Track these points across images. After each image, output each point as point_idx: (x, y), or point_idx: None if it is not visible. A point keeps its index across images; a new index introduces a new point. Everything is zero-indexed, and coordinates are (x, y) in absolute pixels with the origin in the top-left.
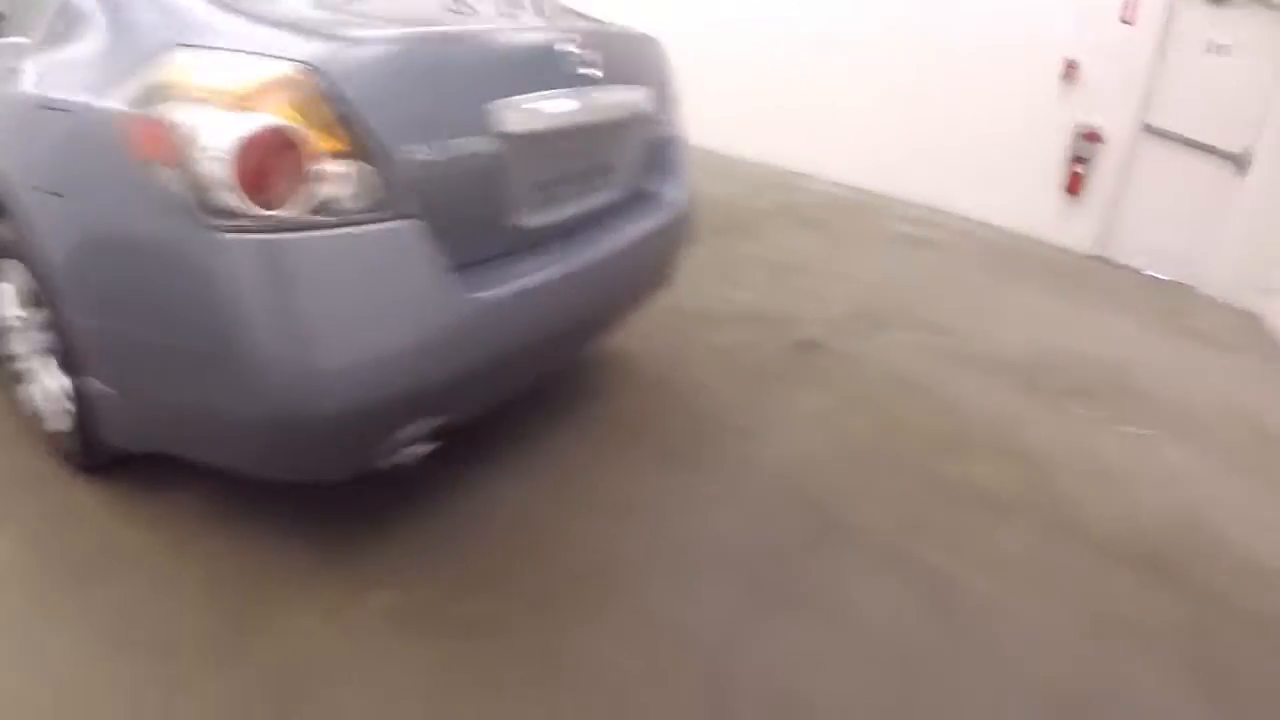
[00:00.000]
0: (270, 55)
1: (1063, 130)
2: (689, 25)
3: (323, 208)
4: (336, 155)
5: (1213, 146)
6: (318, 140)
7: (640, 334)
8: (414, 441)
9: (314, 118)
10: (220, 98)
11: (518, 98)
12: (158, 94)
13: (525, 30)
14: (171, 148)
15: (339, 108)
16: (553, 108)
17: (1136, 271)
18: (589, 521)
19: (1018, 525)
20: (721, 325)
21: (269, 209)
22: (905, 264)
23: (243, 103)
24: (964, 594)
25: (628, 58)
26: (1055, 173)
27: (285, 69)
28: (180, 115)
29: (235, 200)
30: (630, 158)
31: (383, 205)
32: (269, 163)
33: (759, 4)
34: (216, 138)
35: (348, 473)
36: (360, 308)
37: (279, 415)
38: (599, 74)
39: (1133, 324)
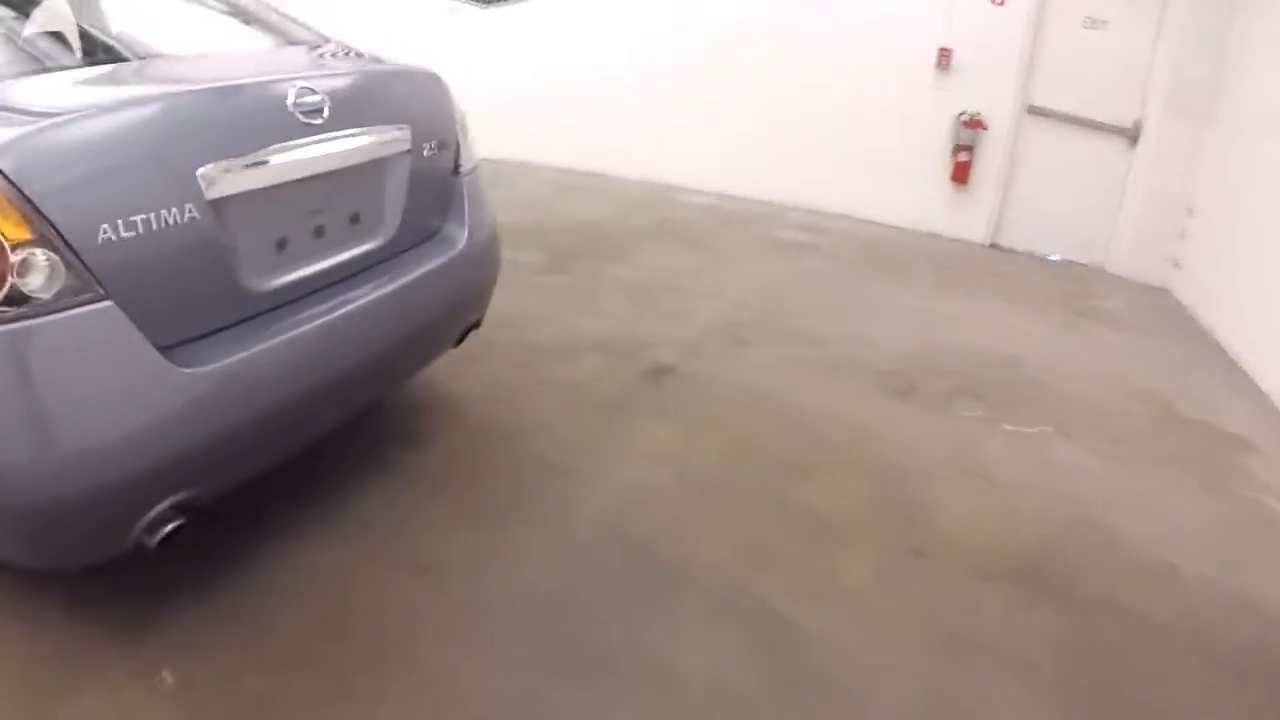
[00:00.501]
0: None
1: (943, 119)
2: (563, 54)
3: (15, 299)
4: (24, 245)
5: (1101, 122)
6: (3, 232)
7: (478, 375)
8: (169, 520)
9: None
10: None
11: (227, 160)
12: None
13: (240, 84)
14: None
15: (21, 197)
16: (272, 163)
17: (1035, 257)
18: (392, 585)
19: (872, 549)
20: (570, 357)
21: None
22: (783, 273)
23: None
24: (803, 637)
25: (377, 97)
26: (940, 163)
27: None
28: None
29: None
30: (391, 203)
31: (75, 291)
32: None
33: (630, 20)
34: None
35: (104, 556)
36: (67, 395)
37: (5, 505)
38: (328, 120)
39: (1030, 313)
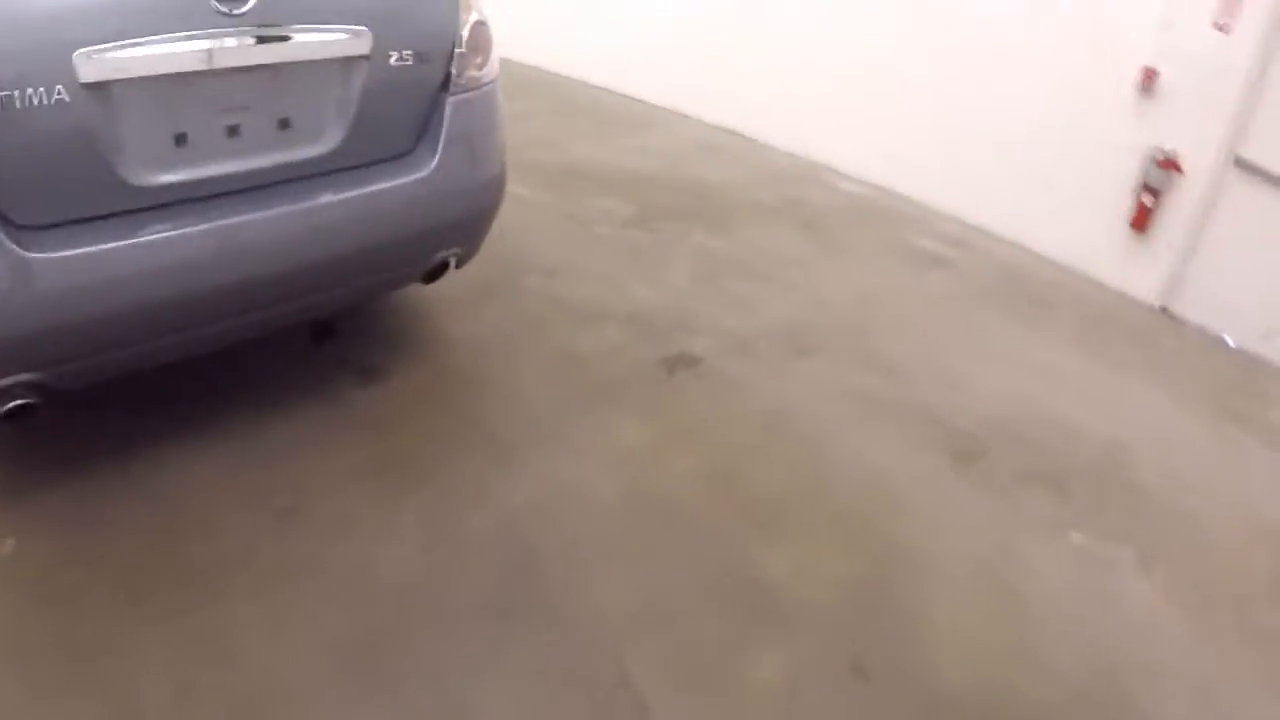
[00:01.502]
0: None
1: (1134, 152)
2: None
3: None
4: None
5: None
6: None
7: (480, 320)
8: (16, 396)
9: None
10: None
11: (106, 45)
12: None
13: None
14: None
15: None
16: (163, 52)
17: (1208, 335)
18: (246, 518)
19: (805, 650)
20: (593, 324)
21: None
22: (896, 284)
23: None
24: None
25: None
26: (1120, 201)
27: None
28: None
29: None
30: (334, 112)
31: None
32: None
33: None
34: None
35: None
36: None
37: None
38: (253, 11)
39: (1170, 400)
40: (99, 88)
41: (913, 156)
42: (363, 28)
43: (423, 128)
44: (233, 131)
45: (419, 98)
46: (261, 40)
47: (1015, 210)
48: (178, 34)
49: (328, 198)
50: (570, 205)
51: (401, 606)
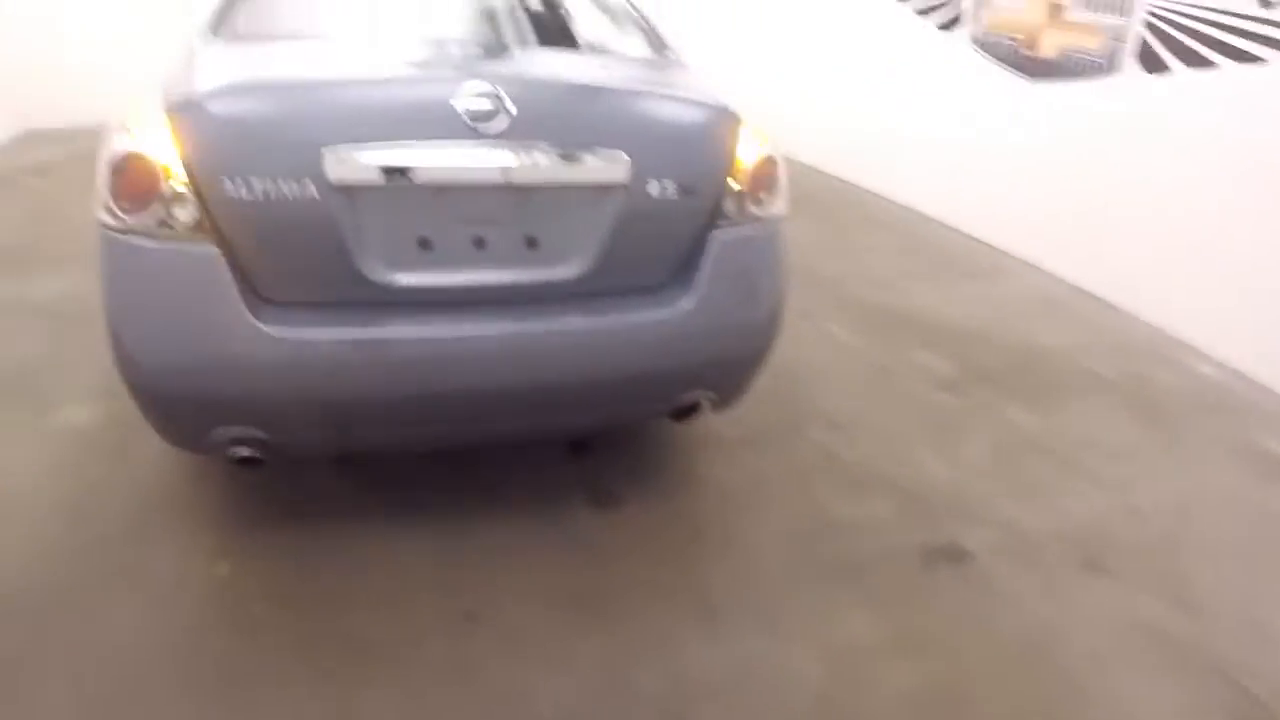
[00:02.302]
0: (171, 95)
1: None
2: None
3: (160, 224)
4: (176, 183)
5: None
6: (163, 169)
7: (740, 464)
8: (238, 443)
9: (164, 151)
10: (122, 125)
11: (355, 148)
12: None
13: (403, 76)
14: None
15: (181, 145)
16: (410, 161)
17: None
18: (420, 613)
19: None
20: (862, 491)
21: (138, 218)
22: (1229, 495)
23: (127, 131)
24: None
25: (592, 118)
26: None
27: (162, 107)
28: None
29: (110, 207)
30: (585, 236)
31: (196, 230)
32: (127, 180)
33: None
34: (107, 154)
35: (188, 446)
36: (164, 311)
37: (124, 380)
38: (507, 129)
39: None
40: (346, 186)
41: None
42: (622, 154)
43: (682, 262)
44: (478, 244)
45: (680, 231)
46: (512, 160)
47: None
48: (428, 145)
49: (569, 322)
50: (883, 354)
51: None
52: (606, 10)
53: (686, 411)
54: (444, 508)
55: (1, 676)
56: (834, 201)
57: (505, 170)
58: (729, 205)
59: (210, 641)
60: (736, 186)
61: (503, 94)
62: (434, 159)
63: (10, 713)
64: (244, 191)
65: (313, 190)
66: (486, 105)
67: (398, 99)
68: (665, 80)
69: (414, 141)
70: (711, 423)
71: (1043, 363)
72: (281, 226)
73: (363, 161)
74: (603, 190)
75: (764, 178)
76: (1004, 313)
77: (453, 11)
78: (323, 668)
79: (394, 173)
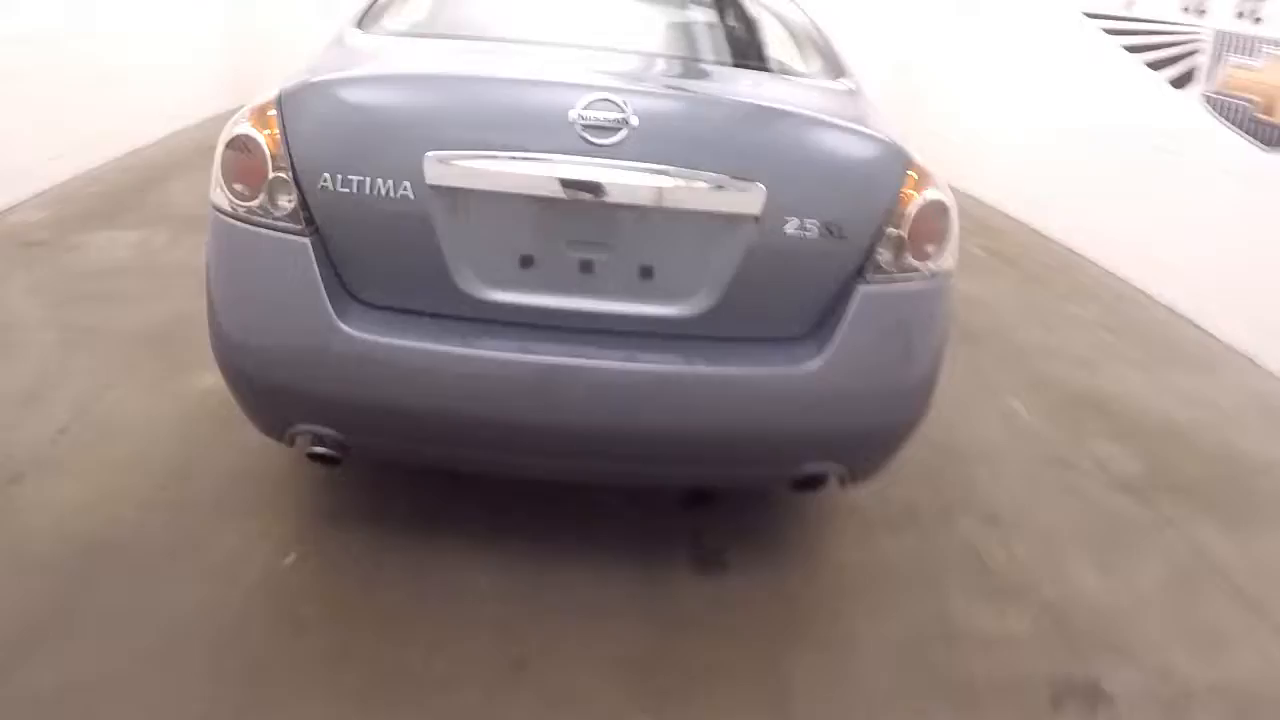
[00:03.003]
0: (287, 82)
1: None
2: None
3: (260, 209)
4: (279, 170)
5: None
6: (268, 156)
7: (878, 549)
8: (318, 441)
9: (270, 138)
10: (243, 109)
11: (458, 152)
12: None
13: (519, 80)
14: None
15: (283, 133)
16: (515, 170)
17: None
18: (468, 653)
19: None
20: (1001, 601)
21: (244, 201)
22: None
23: (244, 114)
24: None
25: (726, 140)
26: None
27: (270, 95)
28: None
29: (221, 189)
30: (705, 273)
31: (292, 220)
32: (235, 162)
33: None
34: (223, 135)
35: (269, 434)
36: (252, 296)
37: (215, 357)
38: (624, 144)
39: None
40: (446, 192)
41: None
42: (757, 184)
43: (820, 314)
44: (585, 267)
45: (819, 279)
46: (629, 179)
47: None
48: (536, 155)
49: (679, 365)
50: (1064, 442)
51: None
52: (787, 29)
53: (810, 483)
54: (528, 540)
55: (32, 627)
56: (1037, 259)
57: (620, 189)
58: (884, 255)
59: (250, 634)
60: (895, 233)
61: (626, 106)
62: (541, 170)
63: (24, 671)
64: (341, 183)
65: (410, 190)
66: (607, 116)
67: (510, 102)
68: (826, 106)
69: (523, 150)
70: (853, 494)
71: (1251, 478)
72: (377, 225)
73: (464, 166)
74: (731, 222)
75: (931, 227)
76: (1213, 413)
77: (632, 23)
78: (347, 688)
79: (497, 180)
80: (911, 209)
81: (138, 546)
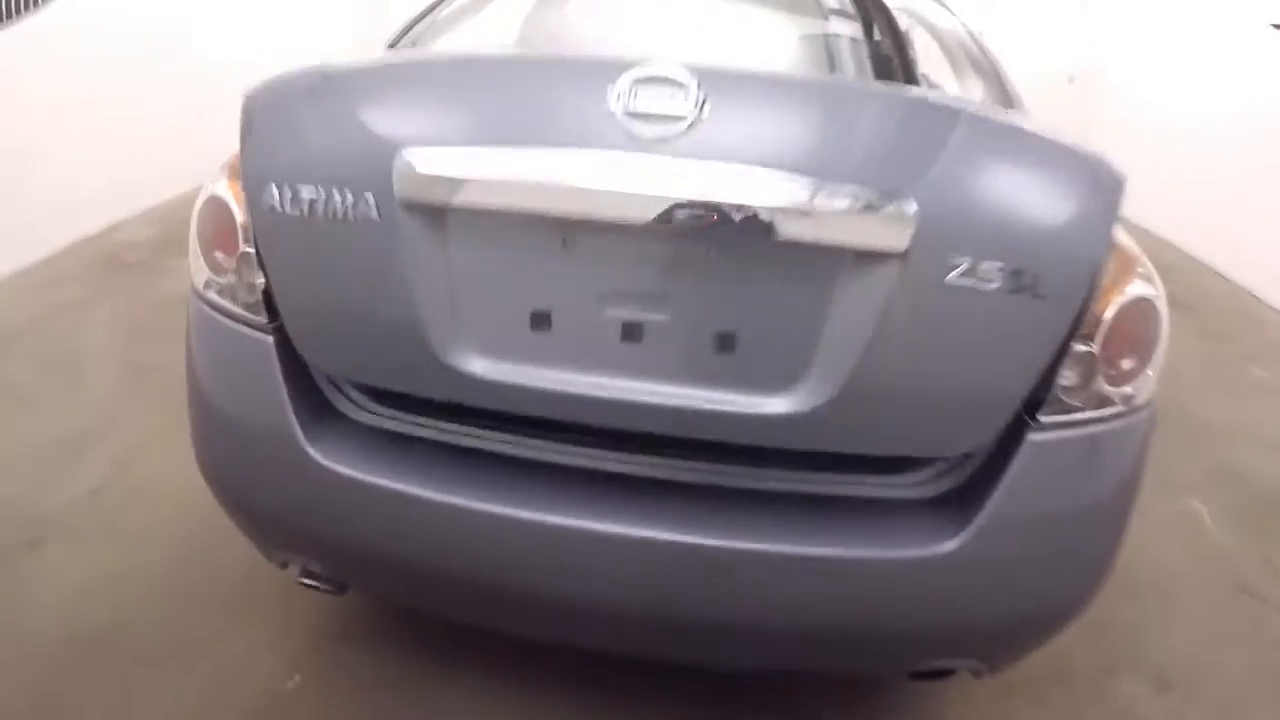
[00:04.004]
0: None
1: None
2: None
3: (222, 291)
4: (240, 237)
5: None
6: (230, 223)
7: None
8: (306, 573)
9: (235, 188)
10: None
11: (440, 149)
12: None
13: (573, 57)
14: None
15: (242, 164)
16: (508, 173)
17: None
18: None
19: None
20: None
21: (198, 274)
22: None
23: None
24: None
25: (873, 142)
26: None
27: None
28: None
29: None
30: (821, 340)
31: (253, 306)
32: (201, 230)
33: None
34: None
35: (265, 557)
36: (216, 402)
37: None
38: (690, 137)
39: None
40: (421, 211)
41: None
42: (907, 200)
43: (982, 429)
44: (631, 334)
45: (1011, 355)
46: (700, 189)
47: None
48: (551, 148)
49: (764, 544)
50: (1255, 563)
51: None
52: (946, 51)
53: (933, 675)
54: (565, 683)
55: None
56: (1217, 305)
57: (684, 206)
58: (1070, 376)
59: None
60: (1083, 349)
61: (689, 83)
62: (562, 174)
63: None
64: (291, 203)
65: (373, 207)
66: (663, 99)
67: (519, 84)
68: (1000, 114)
69: (532, 141)
70: None
71: None
72: (333, 263)
73: (446, 168)
74: (864, 261)
75: (1135, 331)
76: None
77: (736, 37)
78: None
79: (493, 191)
80: (1110, 308)
81: (139, 640)
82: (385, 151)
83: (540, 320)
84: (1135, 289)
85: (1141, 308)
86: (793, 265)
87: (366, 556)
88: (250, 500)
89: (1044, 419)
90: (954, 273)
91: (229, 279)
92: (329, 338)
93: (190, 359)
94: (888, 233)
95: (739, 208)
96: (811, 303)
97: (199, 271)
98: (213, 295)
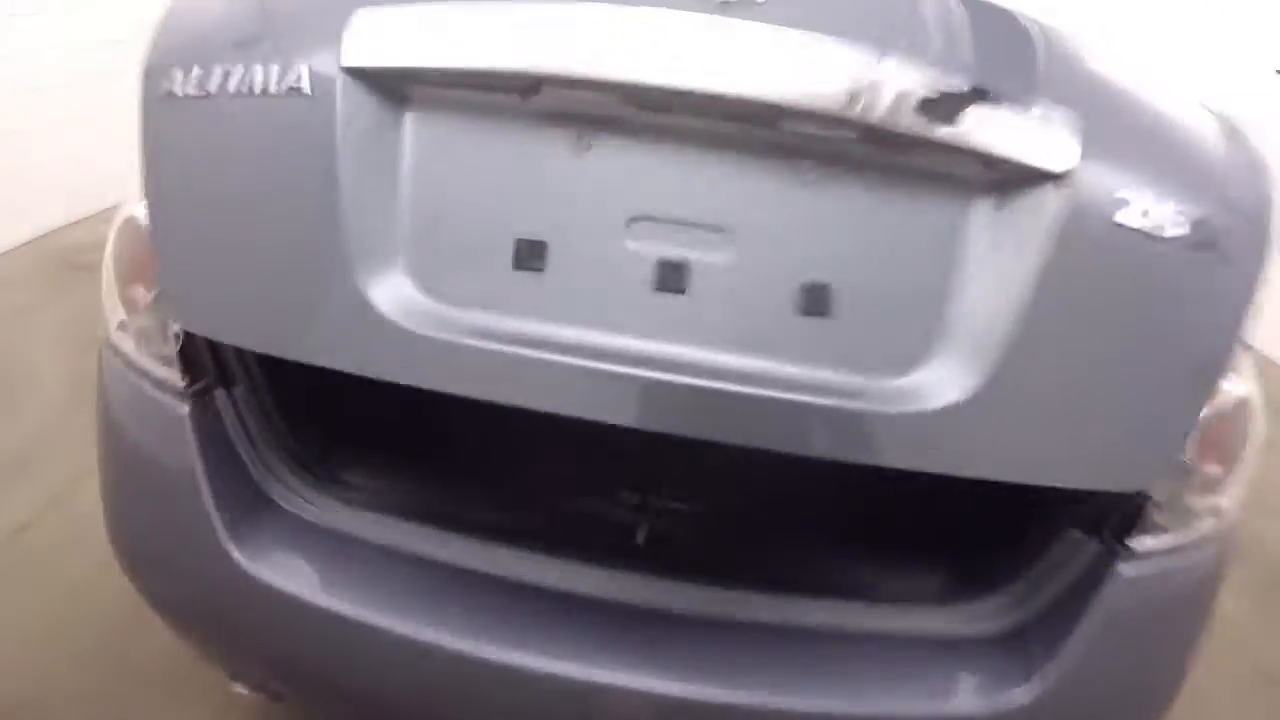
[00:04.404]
0: None
1: None
2: None
3: (141, 336)
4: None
5: None
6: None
7: None
8: (236, 678)
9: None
10: None
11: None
12: None
13: None
14: None
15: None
16: (518, 32)
17: None
18: None
19: None
20: None
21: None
22: None
23: None
24: None
25: (1026, 50)
26: None
27: None
28: None
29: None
30: (952, 296)
31: (165, 350)
32: (126, 262)
33: None
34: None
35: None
36: (128, 491)
37: None
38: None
39: None
40: (381, 83)
41: None
42: (1064, 110)
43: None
44: (668, 278)
45: (1174, 342)
46: (788, 73)
47: None
48: (570, 4)
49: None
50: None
51: None
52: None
53: None
54: None
55: None
56: None
57: (759, 91)
58: (1164, 490)
59: None
60: (1187, 466)
61: None
62: (593, 40)
63: None
64: (195, 85)
65: (305, 81)
66: None
67: None
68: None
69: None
70: None
71: None
72: (232, 156)
73: (418, 24)
74: (1008, 191)
75: (1230, 437)
76: None
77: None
78: None
79: (478, 57)
80: (1207, 412)
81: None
82: (336, 10)
83: (530, 252)
84: (1234, 396)
85: (1238, 411)
86: (914, 189)
87: (301, 675)
88: (165, 594)
89: (1132, 549)
90: (1124, 213)
91: (144, 321)
92: (212, 272)
93: (99, 417)
94: (1042, 152)
95: (834, 93)
96: (943, 243)
97: (113, 310)
98: (125, 345)
